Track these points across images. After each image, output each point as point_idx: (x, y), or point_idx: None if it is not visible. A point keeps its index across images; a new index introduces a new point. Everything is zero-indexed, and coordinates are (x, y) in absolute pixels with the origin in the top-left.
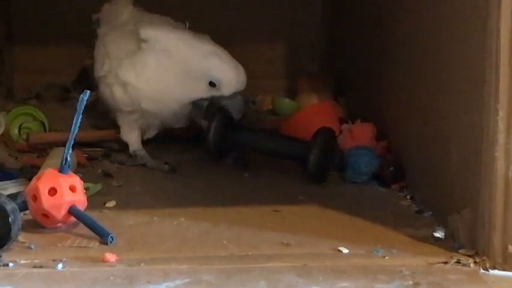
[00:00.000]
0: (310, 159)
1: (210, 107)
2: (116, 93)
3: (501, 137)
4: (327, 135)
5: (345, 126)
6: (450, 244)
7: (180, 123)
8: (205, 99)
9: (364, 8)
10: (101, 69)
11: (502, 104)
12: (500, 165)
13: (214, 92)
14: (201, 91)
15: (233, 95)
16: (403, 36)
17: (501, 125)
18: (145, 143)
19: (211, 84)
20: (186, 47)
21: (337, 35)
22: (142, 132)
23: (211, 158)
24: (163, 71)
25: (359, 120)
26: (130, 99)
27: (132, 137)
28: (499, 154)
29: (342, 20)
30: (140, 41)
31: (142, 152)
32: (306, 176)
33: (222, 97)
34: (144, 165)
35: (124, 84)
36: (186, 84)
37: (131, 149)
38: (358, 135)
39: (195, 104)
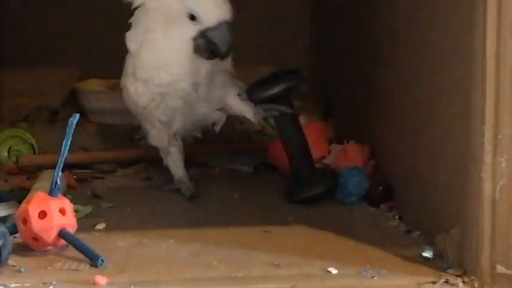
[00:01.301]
0: (305, 194)
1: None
2: (130, 91)
3: (487, 158)
4: (333, 181)
5: (333, 146)
6: (439, 264)
7: (204, 108)
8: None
9: (351, 29)
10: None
11: (488, 125)
12: (487, 185)
13: (198, 26)
14: (187, 29)
15: (218, 26)
16: (390, 57)
17: (487, 146)
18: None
19: (192, 18)
20: None
21: (326, 55)
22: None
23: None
24: (152, 25)
25: (353, 140)
26: (145, 85)
27: (175, 165)
28: (486, 175)
29: (330, 40)
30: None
31: (185, 180)
32: (289, 190)
33: (208, 31)
34: (179, 189)
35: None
36: (173, 29)
37: (176, 177)
38: (351, 156)
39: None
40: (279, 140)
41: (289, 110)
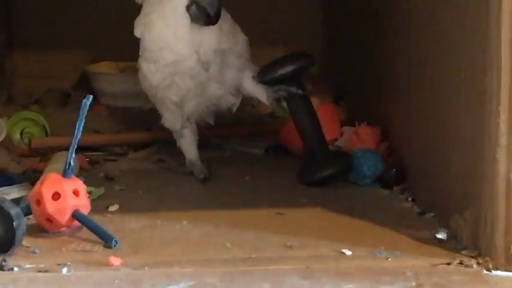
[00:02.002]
0: (318, 175)
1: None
2: (144, 70)
3: (503, 139)
4: (346, 163)
5: (345, 129)
6: (453, 245)
7: (213, 88)
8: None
9: (363, 11)
10: None
11: (504, 105)
12: (502, 166)
13: None
14: (178, 0)
15: None
16: (403, 39)
17: (503, 127)
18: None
19: None
20: None
21: (337, 37)
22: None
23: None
24: (150, 8)
25: (365, 122)
26: (154, 61)
27: (189, 148)
28: (501, 156)
29: (341, 22)
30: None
31: (198, 162)
32: (302, 172)
33: None
34: (191, 172)
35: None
36: (167, 4)
37: (188, 160)
38: (364, 138)
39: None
40: (293, 122)
41: (299, 91)
